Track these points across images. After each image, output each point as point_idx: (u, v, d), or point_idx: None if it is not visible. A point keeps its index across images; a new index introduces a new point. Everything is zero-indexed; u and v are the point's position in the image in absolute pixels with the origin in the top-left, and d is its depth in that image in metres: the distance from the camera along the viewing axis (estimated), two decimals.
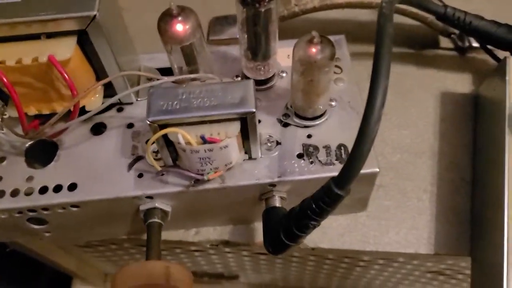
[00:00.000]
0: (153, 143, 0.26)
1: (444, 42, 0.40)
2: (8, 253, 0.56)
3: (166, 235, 0.33)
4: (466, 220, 0.32)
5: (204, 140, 0.25)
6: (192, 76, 0.28)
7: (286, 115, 0.31)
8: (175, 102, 0.25)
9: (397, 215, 0.33)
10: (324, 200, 0.23)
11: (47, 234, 0.32)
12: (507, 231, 0.27)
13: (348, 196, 0.31)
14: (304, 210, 0.24)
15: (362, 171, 0.28)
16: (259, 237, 0.33)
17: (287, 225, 0.26)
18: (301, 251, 0.33)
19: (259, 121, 0.30)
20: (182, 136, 0.25)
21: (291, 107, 0.30)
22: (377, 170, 0.28)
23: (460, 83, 0.38)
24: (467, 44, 0.39)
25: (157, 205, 0.29)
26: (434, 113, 0.36)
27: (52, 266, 0.45)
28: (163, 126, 0.25)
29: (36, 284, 0.62)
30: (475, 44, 0.38)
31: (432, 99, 0.37)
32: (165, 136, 0.26)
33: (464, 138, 0.35)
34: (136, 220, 0.31)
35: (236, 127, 0.25)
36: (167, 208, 0.29)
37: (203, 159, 0.26)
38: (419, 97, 0.37)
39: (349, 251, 0.32)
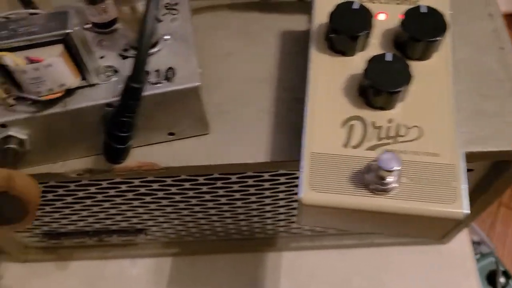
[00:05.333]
0: None
1: None
2: None
3: (34, 170, 0.37)
4: (298, 132, 0.37)
5: (29, 60, 0.29)
6: (17, 11, 0.32)
7: (125, 49, 0.35)
8: (4, 32, 0.30)
9: (239, 134, 0.38)
10: (127, 96, 0.28)
11: None
12: (306, 135, 0.32)
13: (185, 116, 0.36)
14: (116, 110, 0.29)
15: (185, 86, 0.34)
16: None
17: (108, 129, 0.30)
18: (158, 173, 0.37)
19: (102, 57, 0.35)
20: (10, 58, 0.29)
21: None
22: (198, 83, 0.33)
23: (299, 23, 0.43)
24: None
25: (10, 133, 0.33)
26: (276, 49, 0.42)
27: None
28: None
29: None
30: None
31: (275, 38, 0.42)
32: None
33: (300, 66, 0.40)
34: None
35: (57, 48, 0.30)
36: (23, 136, 0.34)
37: (34, 79, 0.30)
38: (262, 37, 0.42)
39: (197, 167, 0.37)
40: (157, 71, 0.34)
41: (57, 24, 0.30)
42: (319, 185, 0.30)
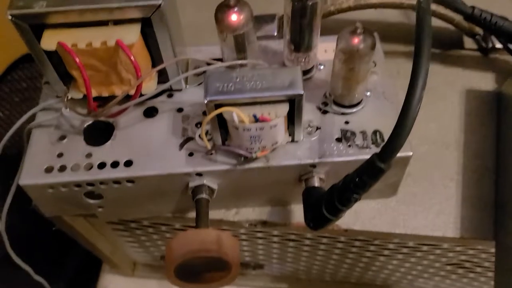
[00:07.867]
0: (207, 123, 0.28)
1: (469, 43, 0.42)
2: (46, 232, 0.59)
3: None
4: (491, 206, 0.34)
5: (256, 119, 0.27)
6: (243, 62, 0.30)
7: (325, 103, 0.33)
8: (230, 84, 0.28)
9: (425, 201, 0.35)
10: (367, 173, 0.26)
11: (99, 209, 0.34)
12: None
13: (381, 181, 0.34)
14: (347, 184, 0.27)
15: (397, 155, 0.31)
16: (295, 218, 0.35)
17: (329, 199, 0.28)
18: (334, 232, 0.35)
19: None
20: (237, 114, 0.27)
21: (329, 95, 0.33)
22: (411, 153, 0.31)
23: (484, 81, 0.40)
24: (490, 45, 0.41)
25: (205, 182, 0.31)
26: (459, 108, 0.39)
27: (88, 249, 0.48)
28: (219, 105, 0.28)
29: (63, 267, 0.64)
30: (498, 45, 0.41)
31: (457, 96, 0.39)
32: (218, 116, 0.29)
33: (488, 131, 0.37)
34: (182, 198, 0.33)
35: (285, 108, 0.28)
36: (214, 186, 0.32)
37: (253, 137, 0.28)
38: (445, 93, 0.40)
39: (380, 233, 0.34)
40: (362, 132, 0.32)
41: (287, 82, 0.28)
42: None
